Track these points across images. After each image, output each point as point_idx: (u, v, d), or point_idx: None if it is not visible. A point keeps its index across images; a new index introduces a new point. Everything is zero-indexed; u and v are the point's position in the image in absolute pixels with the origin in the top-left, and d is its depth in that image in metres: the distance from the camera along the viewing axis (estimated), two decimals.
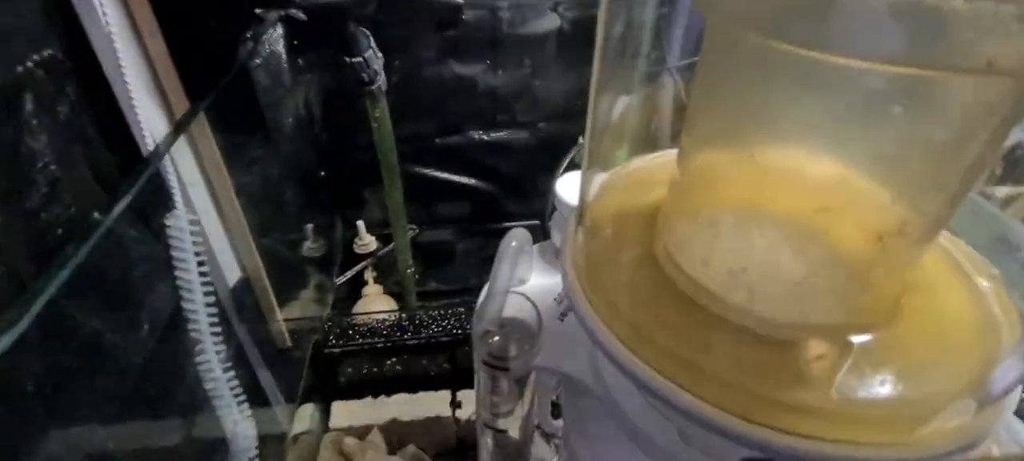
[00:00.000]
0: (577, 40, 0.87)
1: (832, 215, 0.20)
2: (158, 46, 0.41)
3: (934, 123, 0.18)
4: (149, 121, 0.39)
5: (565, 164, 0.77)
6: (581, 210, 0.29)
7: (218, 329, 0.45)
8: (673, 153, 0.29)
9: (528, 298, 0.36)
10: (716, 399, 0.20)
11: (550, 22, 0.87)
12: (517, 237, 0.37)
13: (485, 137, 0.94)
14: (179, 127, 0.41)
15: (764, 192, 0.22)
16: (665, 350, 0.22)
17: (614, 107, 0.28)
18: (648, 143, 0.30)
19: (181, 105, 0.43)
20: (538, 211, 1.03)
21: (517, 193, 1.02)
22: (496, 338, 0.35)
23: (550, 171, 0.97)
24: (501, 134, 0.95)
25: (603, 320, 0.24)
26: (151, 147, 0.39)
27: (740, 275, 0.22)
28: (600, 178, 0.29)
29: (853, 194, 0.19)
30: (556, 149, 0.96)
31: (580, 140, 0.80)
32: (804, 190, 0.20)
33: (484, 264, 1.08)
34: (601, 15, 0.24)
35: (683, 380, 0.21)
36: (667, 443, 0.28)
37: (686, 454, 0.28)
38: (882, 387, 0.21)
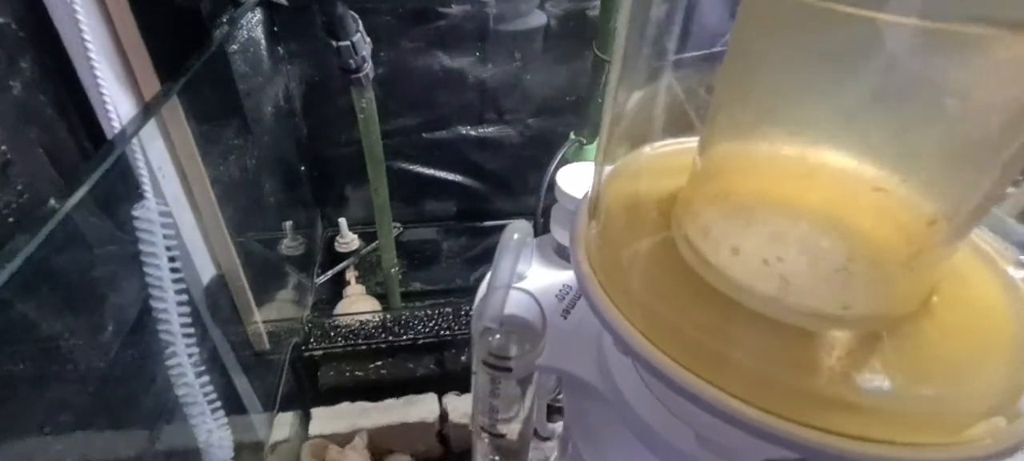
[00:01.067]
0: (566, 36, 0.86)
1: (882, 197, 0.18)
2: (127, 22, 0.37)
3: (990, 94, 0.16)
4: (116, 103, 0.35)
5: (557, 160, 0.76)
6: (594, 201, 0.27)
7: (190, 330, 0.41)
8: (682, 142, 0.28)
9: (531, 294, 0.34)
10: (745, 395, 0.19)
11: (537, 19, 0.85)
12: (519, 229, 0.35)
13: (473, 132, 0.92)
14: (149, 109, 0.38)
15: (803, 176, 0.20)
16: (690, 343, 0.21)
17: (630, 98, 0.26)
18: (660, 133, 0.28)
19: (151, 88, 0.40)
20: (526, 208, 1.01)
21: (505, 190, 1.00)
22: (497, 336, 0.33)
23: (539, 168, 0.95)
24: (489, 130, 0.93)
25: (623, 314, 0.22)
26: (118, 131, 0.35)
27: (775, 264, 0.21)
28: (613, 168, 0.27)
29: (906, 174, 0.18)
30: (545, 145, 0.94)
31: (572, 136, 0.79)
32: (850, 173, 0.19)
33: (470, 264, 1.06)
34: (624, 6, 0.23)
35: (710, 375, 0.20)
36: (683, 447, 0.27)
37: (703, 458, 0.26)
38: (926, 382, 0.19)
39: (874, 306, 0.20)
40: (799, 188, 0.21)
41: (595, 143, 0.77)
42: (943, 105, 0.18)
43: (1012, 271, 0.23)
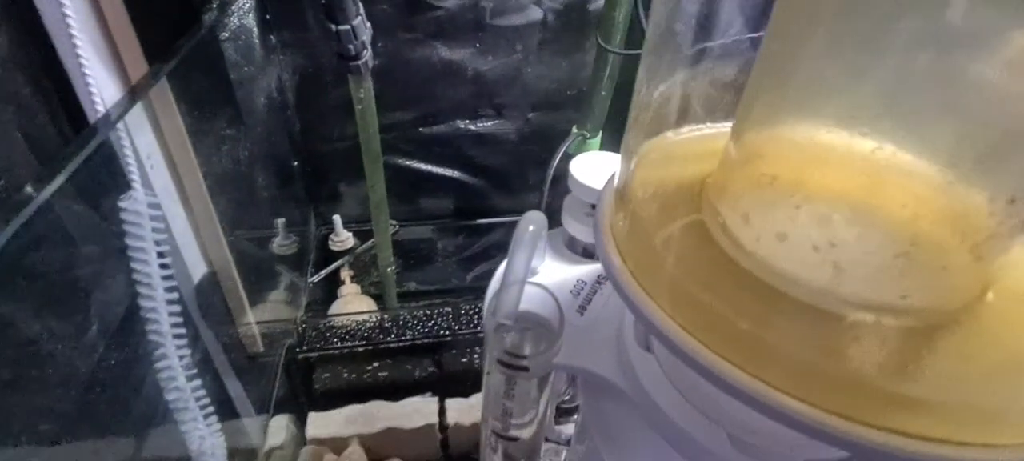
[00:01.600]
0: (565, 29, 0.84)
1: (950, 178, 0.17)
2: (113, 1, 0.35)
3: None
4: (101, 85, 0.33)
5: (559, 155, 0.74)
6: (622, 190, 0.25)
7: (181, 331, 0.39)
8: (715, 126, 0.27)
9: (547, 289, 0.32)
10: (796, 391, 0.17)
11: (533, 13, 0.84)
12: (534, 221, 0.34)
13: (471, 127, 0.90)
14: (136, 93, 0.36)
15: (853, 160, 0.19)
16: (733, 336, 0.19)
17: (660, 83, 0.25)
18: (693, 118, 0.27)
19: (138, 70, 0.37)
20: (526, 205, 0.99)
21: (504, 187, 0.98)
22: (512, 333, 0.31)
23: (539, 164, 0.94)
24: (487, 124, 0.91)
25: (659, 307, 0.21)
26: (102, 115, 0.33)
27: (826, 250, 0.19)
28: (642, 154, 0.25)
29: (976, 155, 0.17)
30: (544, 141, 0.93)
31: (574, 130, 0.78)
32: (908, 156, 0.17)
33: (468, 263, 1.04)
34: None
35: (755, 370, 0.18)
36: (714, 448, 0.25)
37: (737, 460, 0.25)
38: (998, 377, 0.18)
39: (934, 295, 0.19)
40: (850, 172, 0.20)
41: (598, 137, 0.76)
42: (1013, 84, 0.16)
43: None
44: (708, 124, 0.27)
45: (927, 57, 0.17)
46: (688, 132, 0.27)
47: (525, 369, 0.30)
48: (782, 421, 0.18)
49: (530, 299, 0.31)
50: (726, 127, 0.23)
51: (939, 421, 0.16)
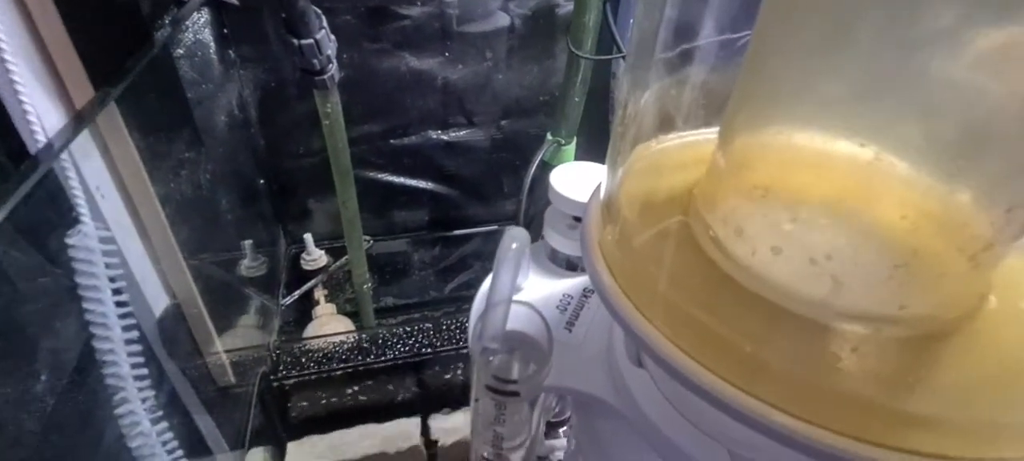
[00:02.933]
0: (534, 34, 0.84)
1: (948, 188, 0.17)
2: (51, 19, 0.32)
3: None
4: (41, 112, 0.30)
5: (535, 163, 0.73)
6: (609, 204, 0.25)
7: (143, 372, 0.36)
8: (705, 132, 0.26)
9: (533, 307, 0.31)
10: (797, 410, 0.17)
11: (501, 19, 0.83)
12: (517, 238, 0.33)
13: (442, 137, 0.88)
14: (82, 119, 0.33)
15: (850, 170, 0.18)
16: (733, 355, 0.18)
17: (645, 92, 0.24)
18: (681, 126, 0.26)
19: (84, 95, 0.35)
20: (501, 214, 0.98)
21: (478, 196, 0.97)
22: (500, 356, 0.30)
23: (513, 171, 0.93)
24: (459, 133, 0.89)
25: (654, 326, 0.20)
26: (44, 145, 0.30)
27: (824, 263, 0.19)
28: (629, 165, 0.25)
29: (975, 164, 0.16)
30: (517, 148, 0.92)
31: (548, 137, 0.77)
32: (906, 166, 0.17)
33: (444, 274, 1.02)
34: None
35: (755, 389, 0.18)
36: None
37: None
38: (1010, 388, 0.18)
39: (933, 305, 0.19)
40: (842, 178, 0.20)
41: (573, 143, 0.75)
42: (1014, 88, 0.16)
43: None
44: (694, 130, 0.26)
45: (907, 55, 0.17)
46: (674, 139, 0.26)
47: (516, 394, 0.29)
48: (783, 442, 0.17)
49: (517, 318, 0.30)
50: (713, 132, 0.23)
51: (942, 436, 0.16)
